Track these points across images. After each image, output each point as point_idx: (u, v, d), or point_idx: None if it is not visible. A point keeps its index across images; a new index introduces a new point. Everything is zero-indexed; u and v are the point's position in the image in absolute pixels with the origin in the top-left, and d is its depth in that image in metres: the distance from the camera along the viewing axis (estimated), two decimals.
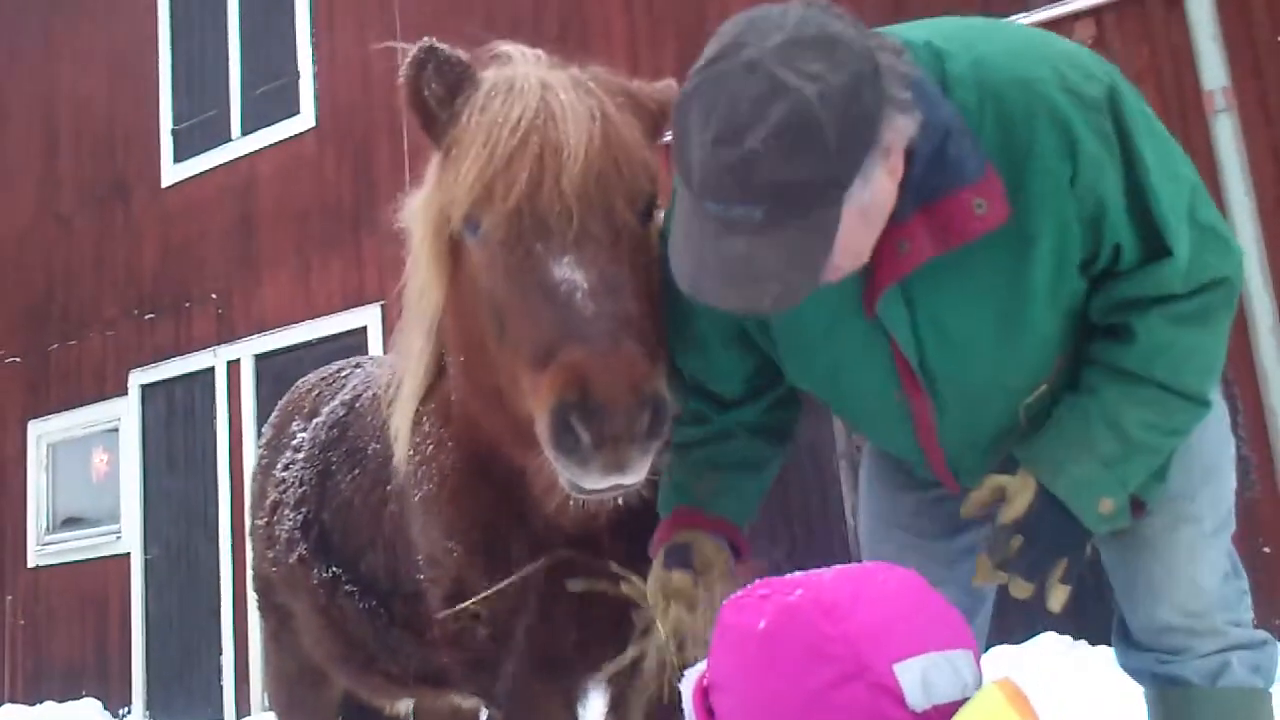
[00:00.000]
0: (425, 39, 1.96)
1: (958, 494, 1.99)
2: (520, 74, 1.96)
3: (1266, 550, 4.76)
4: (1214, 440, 1.97)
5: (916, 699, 1.16)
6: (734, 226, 1.51)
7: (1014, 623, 4.87)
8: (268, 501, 3.14)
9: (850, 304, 1.78)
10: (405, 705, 3.38)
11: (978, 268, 1.70)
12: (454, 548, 2.28)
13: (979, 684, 1.22)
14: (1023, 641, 5.01)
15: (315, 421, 3.08)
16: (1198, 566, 1.92)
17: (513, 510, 2.15)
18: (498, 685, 2.33)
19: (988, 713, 1.15)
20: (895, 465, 2.20)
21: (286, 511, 2.99)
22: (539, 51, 2.10)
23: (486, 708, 2.47)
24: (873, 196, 1.57)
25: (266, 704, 7.65)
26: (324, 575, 2.81)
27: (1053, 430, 1.79)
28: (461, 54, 1.98)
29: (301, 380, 3.48)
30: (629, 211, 1.87)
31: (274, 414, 3.45)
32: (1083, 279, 1.74)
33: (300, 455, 3.04)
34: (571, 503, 1.90)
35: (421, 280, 2.12)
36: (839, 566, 1.36)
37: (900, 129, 1.56)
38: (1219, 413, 1.99)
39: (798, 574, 1.34)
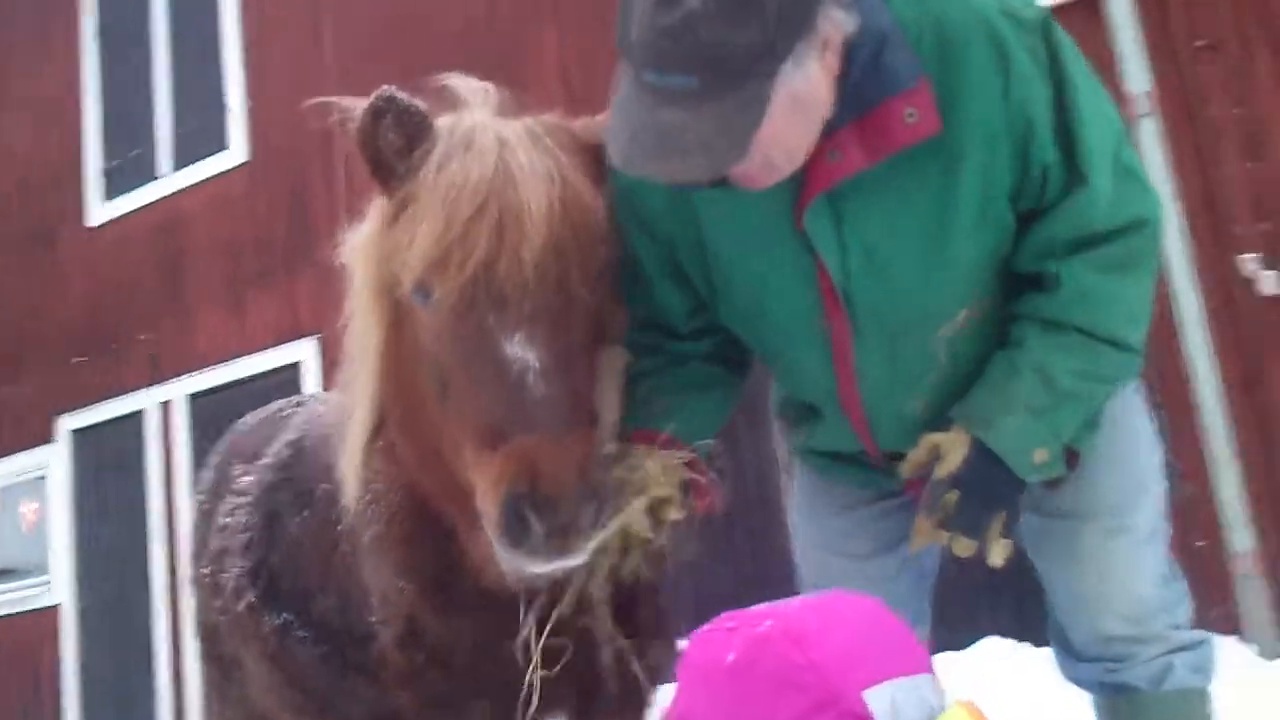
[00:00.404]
0: (385, 88, 1.90)
1: (878, 462, 1.99)
2: (478, 126, 1.93)
3: (1200, 544, 4.86)
4: (1143, 450, 2.02)
5: None
6: (669, 97, 1.57)
7: (957, 628, 4.91)
8: (210, 549, 3.05)
9: (780, 219, 1.81)
10: None
11: (906, 184, 1.74)
12: (405, 587, 2.24)
13: (943, 708, 1.23)
14: (966, 647, 5.06)
15: (259, 464, 3.00)
16: (1137, 575, 1.95)
17: (463, 544, 2.13)
18: None
19: None
20: (823, 490, 2.20)
21: (233, 559, 2.91)
22: (487, 86, 2.08)
23: None
24: (807, 86, 1.63)
25: None
26: (274, 622, 2.74)
27: (983, 385, 1.82)
28: (419, 104, 1.94)
29: (240, 422, 3.40)
30: (583, 283, 1.86)
31: (213, 458, 3.36)
32: (1010, 212, 1.77)
33: (244, 500, 2.96)
34: (509, 576, 1.91)
35: (361, 328, 2.09)
36: (802, 597, 1.37)
37: (837, 23, 1.63)
38: (1146, 423, 2.04)
39: (762, 606, 1.33)
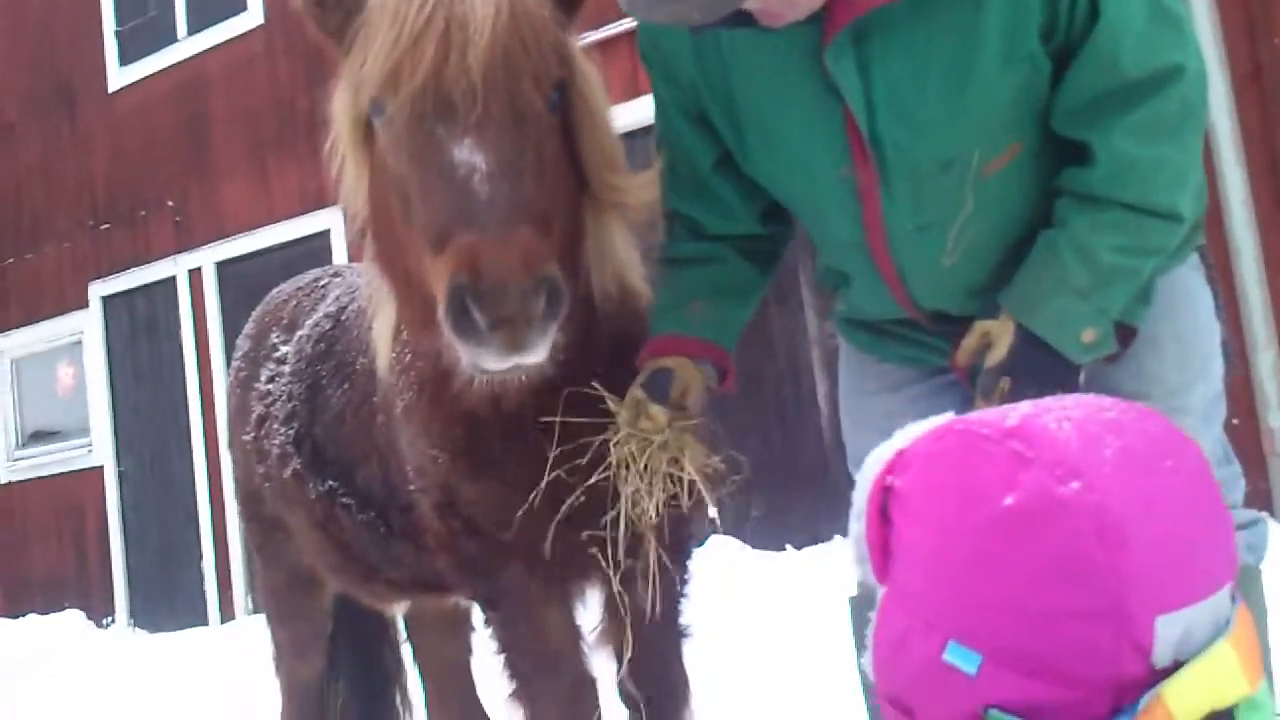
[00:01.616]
0: None
1: (920, 321, 1.97)
2: None
3: (1235, 422, 4.85)
4: (1202, 328, 1.97)
5: (1163, 657, 0.95)
6: None
7: None
8: (253, 415, 3.10)
9: (806, 63, 1.79)
10: (403, 608, 3.41)
11: (931, 20, 1.70)
12: (438, 455, 2.27)
13: (1229, 622, 1.00)
14: None
15: (299, 334, 3.03)
16: None
17: (490, 404, 2.14)
18: (495, 590, 2.36)
19: (1218, 678, 0.96)
20: (868, 368, 2.18)
21: (276, 426, 2.95)
22: None
23: (484, 611, 2.49)
24: None
25: (250, 609, 7.72)
26: (320, 489, 2.79)
27: (1026, 268, 1.79)
28: None
29: (276, 290, 3.42)
30: (536, 94, 1.86)
31: (249, 325, 3.39)
32: (1042, 50, 1.72)
33: (285, 369, 3.00)
34: (475, 382, 1.94)
35: (345, 170, 2.12)
36: (1123, 432, 1.02)
37: None
38: (1206, 299, 1.99)
39: (1066, 430, 1.00)
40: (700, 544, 2.71)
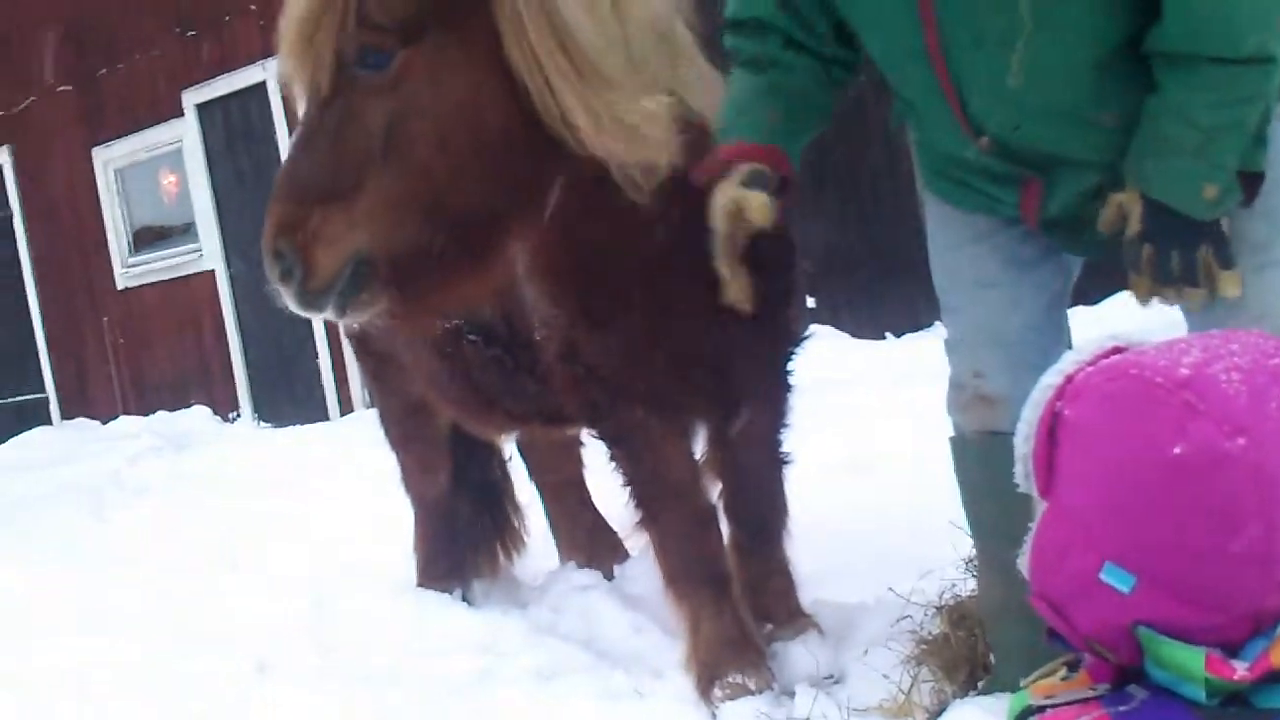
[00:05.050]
0: None
1: (979, 146, 1.97)
2: None
3: None
4: None
5: None
6: None
7: (1089, 283, 4.91)
8: None
9: None
10: (512, 437, 3.53)
11: None
12: (559, 314, 2.44)
13: None
14: (1097, 302, 5.11)
15: None
16: None
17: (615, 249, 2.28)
18: (619, 428, 2.51)
19: None
20: (954, 219, 2.20)
21: None
22: None
23: (609, 447, 2.62)
24: None
25: (367, 401, 8.11)
26: (447, 324, 2.89)
27: (1137, 138, 1.83)
28: None
29: None
30: (336, 60, 1.92)
31: None
32: None
33: None
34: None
35: None
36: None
37: None
38: None
39: (1234, 381, 1.06)
40: (802, 342, 2.81)
